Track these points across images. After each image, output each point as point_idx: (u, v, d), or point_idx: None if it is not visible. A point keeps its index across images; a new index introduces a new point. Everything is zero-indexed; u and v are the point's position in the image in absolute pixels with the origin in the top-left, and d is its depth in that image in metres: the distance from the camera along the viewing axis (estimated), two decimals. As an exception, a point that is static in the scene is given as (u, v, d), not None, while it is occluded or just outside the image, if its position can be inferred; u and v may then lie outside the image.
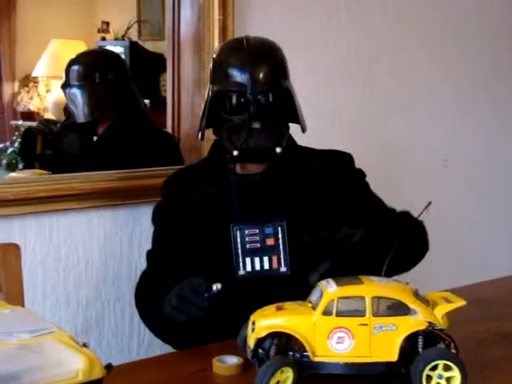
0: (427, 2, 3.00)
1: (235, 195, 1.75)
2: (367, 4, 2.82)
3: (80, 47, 4.07)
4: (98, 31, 4.45)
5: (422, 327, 1.33)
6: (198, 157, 2.38)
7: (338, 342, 1.32)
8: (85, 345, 1.05)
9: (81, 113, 2.46)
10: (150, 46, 4.08)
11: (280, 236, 1.68)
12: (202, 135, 1.83)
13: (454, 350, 1.34)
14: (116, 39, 4.21)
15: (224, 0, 2.34)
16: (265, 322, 1.35)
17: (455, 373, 1.29)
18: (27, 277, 1.80)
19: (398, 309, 1.33)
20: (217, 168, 1.82)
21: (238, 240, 1.69)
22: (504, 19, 3.31)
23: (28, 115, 4.40)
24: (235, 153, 1.72)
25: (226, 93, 1.76)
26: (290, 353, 1.35)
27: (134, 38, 4.23)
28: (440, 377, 1.29)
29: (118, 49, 4.00)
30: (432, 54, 3.05)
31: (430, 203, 1.46)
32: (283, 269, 1.62)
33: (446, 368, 1.29)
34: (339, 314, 1.32)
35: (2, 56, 4.55)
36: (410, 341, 1.33)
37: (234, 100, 1.75)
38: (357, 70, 2.82)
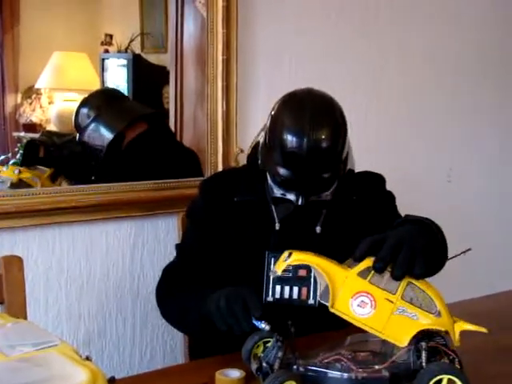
0: (434, 12, 3.00)
1: (278, 223, 1.77)
2: (369, 16, 2.82)
3: (83, 59, 4.07)
4: (102, 44, 4.44)
5: (441, 328, 1.33)
6: (202, 171, 2.38)
7: (359, 305, 1.32)
8: (88, 358, 1.05)
9: (108, 130, 2.44)
10: (153, 58, 4.07)
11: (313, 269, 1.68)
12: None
13: (458, 365, 1.34)
14: (119, 52, 4.20)
15: (228, 13, 2.33)
16: (301, 255, 1.37)
17: (459, 388, 1.28)
18: (29, 289, 1.80)
19: (426, 304, 1.34)
20: (257, 177, 1.81)
21: (272, 267, 1.69)
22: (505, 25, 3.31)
23: (30, 127, 4.39)
24: (277, 226, 1.76)
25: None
26: (294, 366, 1.35)
27: (137, 51, 4.23)
28: (444, 391, 1.29)
29: (121, 61, 3.99)
30: (437, 68, 3.06)
31: (469, 249, 1.47)
32: (311, 301, 1.60)
33: (450, 383, 1.29)
34: (372, 281, 1.33)
35: (6, 67, 4.54)
36: (415, 354, 1.33)
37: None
38: (361, 82, 2.82)
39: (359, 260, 1.36)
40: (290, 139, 1.65)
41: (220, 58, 2.34)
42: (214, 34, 2.34)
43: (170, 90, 2.59)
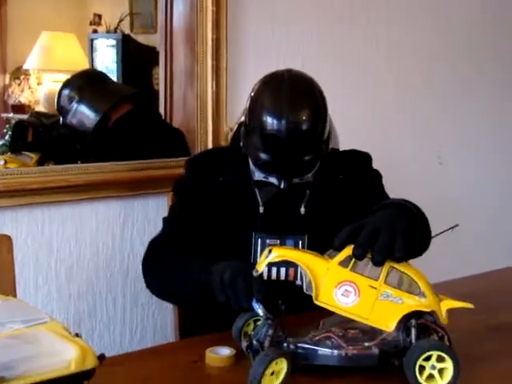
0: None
1: (262, 206, 1.76)
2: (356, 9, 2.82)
3: (71, 40, 4.05)
4: (90, 24, 4.42)
5: (426, 309, 1.34)
6: (191, 151, 2.38)
7: (343, 295, 1.33)
8: (77, 335, 1.05)
9: (92, 111, 2.43)
10: (142, 39, 4.05)
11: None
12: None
13: (447, 342, 1.35)
14: (108, 32, 4.18)
15: (217, -9, 2.33)
16: (281, 251, 1.37)
17: (448, 364, 1.29)
18: (19, 269, 1.80)
19: (410, 286, 1.34)
20: (241, 159, 1.81)
21: (259, 248, 1.70)
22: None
23: (19, 108, 4.37)
24: (261, 209, 1.75)
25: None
26: (285, 344, 1.35)
27: (127, 31, 4.21)
28: (433, 367, 1.29)
29: (110, 41, 3.98)
30: (426, 53, 3.05)
31: (456, 225, 1.47)
32: (299, 282, 1.61)
33: (439, 359, 1.30)
34: (354, 269, 1.33)
35: (-7, 48, 4.50)
36: (404, 332, 1.34)
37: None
38: (350, 65, 2.81)
39: (339, 249, 1.35)
40: (269, 122, 1.65)
41: (210, 36, 2.33)
42: (204, 12, 2.33)
43: (160, 70, 2.57)
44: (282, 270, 1.65)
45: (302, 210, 1.77)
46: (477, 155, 3.36)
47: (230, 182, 1.80)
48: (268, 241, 1.70)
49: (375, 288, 1.33)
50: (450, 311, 1.37)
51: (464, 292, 1.79)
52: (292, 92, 1.67)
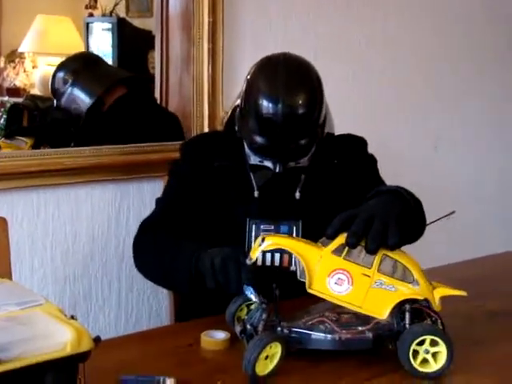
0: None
1: (256, 191, 1.76)
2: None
3: (67, 23, 4.03)
4: (86, 7, 4.39)
5: (419, 297, 1.34)
6: (187, 134, 2.37)
7: (336, 283, 1.33)
8: (73, 317, 1.05)
9: (86, 95, 2.41)
10: (138, 22, 4.03)
11: (294, 235, 1.68)
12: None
13: (440, 327, 1.36)
14: (103, 15, 4.16)
15: (213, -26, 2.31)
16: (275, 239, 1.38)
17: (441, 348, 1.30)
18: (15, 252, 1.80)
19: (403, 274, 1.35)
20: (236, 143, 1.80)
21: (253, 234, 1.70)
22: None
23: (14, 91, 4.35)
24: (256, 194, 1.75)
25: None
26: (279, 328, 1.36)
27: (122, 15, 4.18)
28: (426, 352, 1.30)
29: (106, 25, 3.96)
30: (424, 40, 3.05)
31: (453, 212, 1.47)
32: (293, 268, 1.61)
33: (433, 343, 1.31)
34: (347, 257, 1.33)
35: (-12, 31, 4.47)
36: (398, 316, 1.34)
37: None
38: (347, 51, 2.81)
39: (332, 237, 1.35)
40: (265, 105, 1.64)
41: (206, 20, 2.32)
42: (200, -5, 2.32)
43: (156, 54, 2.56)
44: (277, 256, 1.65)
45: (297, 194, 1.77)
46: (474, 144, 3.36)
47: (225, 166, 1.80)
48: (262, 226, 1.70)
49: (368, 276, 1.33)
50: (445, 297, 1.38)
51: (460, 277, 1.81)
52: (288, 75, 1.67)
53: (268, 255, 1.64)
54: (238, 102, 1.77)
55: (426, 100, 3.11)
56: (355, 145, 1.90)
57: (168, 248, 1.64)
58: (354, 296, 1.33)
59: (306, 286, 1.34)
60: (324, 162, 1.82)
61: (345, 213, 1.38)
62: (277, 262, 1.65)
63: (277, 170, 1.69)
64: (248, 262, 1.39)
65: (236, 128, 1.77)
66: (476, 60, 3.27)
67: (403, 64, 3.00)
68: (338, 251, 1.34)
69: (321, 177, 1.81)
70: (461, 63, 3.22)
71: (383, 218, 1.35)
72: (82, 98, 2.40)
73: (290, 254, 1.60)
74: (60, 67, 2.50)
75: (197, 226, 1.77)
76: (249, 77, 1.73)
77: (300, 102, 1.65)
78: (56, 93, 2.45)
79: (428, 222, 1.55)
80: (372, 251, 1.32)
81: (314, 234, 1.43)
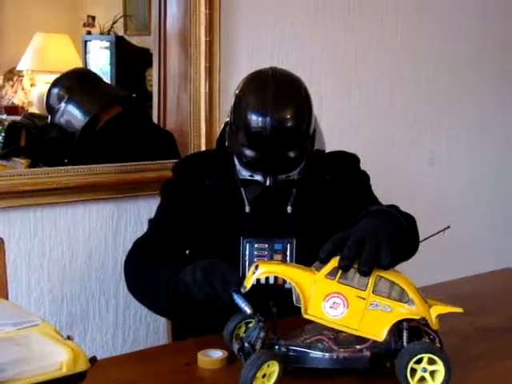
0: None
1: (248, 206, 1.76)
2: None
3: (65, 41, 4.05)
4: (84, 25, 4.41)
5: (415, 317, 1.34)
6: (184, 152, 2.38)
7: (331, 307, 1.33)
8: (69, 337, 1.05)
9: (82, 112, 2.41)
10: (136, 40, 4.05)
11: (288, 253, 1.69)
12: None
13: (438, 345, 1.35)
14: (102, 34, 4.18)
15: (210, -7, 2.33)
16: (268, 266, 1.37)
17: (439, 366, 1.30)
18: (11, 271, 1.80)
19: (398, 294, 1.34)
20: (227, 160, 1.81)
21: (247, 252, 1.71)
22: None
23: (12, 109, 4.36)
24: (247, 209, 1.75)
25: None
26: (276, 346, 1.35)
27: (120, 33, 4.21)
28: (424, 370, 1.30)
29: (104, 43, 3.98)
30: (417, 52, 3.06)
31: (448, 227, 1.47)
32: (288, 285, 1.61)
33: (431, 362, 1.30)
34: (341, 280, 1.33)
35: (-14, 49, 4.49)
36: (396, 335, 1.34)
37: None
38: (343, 67, 2.82)
39: (325, 261, 1.35)
40: (254, 119, 1.66)
41: (203, 39, 2.33)
42: (197, 14, 2.33)
43: (154, 72, 2.57)
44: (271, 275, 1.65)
45: (289, 208, 1.77)
46: (468, 155, 3.36)
47: (217, 184, 1.81)
48: (256, 245, 1.71)
49: (364, 298, 1.33)
50: (442, 314, 1.38)
51: (456, 293, 1.81)
52: (276, 89, 1.68)
53: None
54: (228, 119, 1.78)
55: (423, 114, 3.13)
56: (347, 161, 1.91)
57: (148, 272, 1.65)
58: (350, 319, 1.33)
59: (302, 312, 1.33)
60: (316, 177, 1.83)
61: (336, 235, 1.38)
62: (271, 281, 1.65)
63: (267, 184, 1.70)
64: (242, 290, 1.39)
65: (226, 143, 1.77)
66: (476, 73, 3.29)
67: (399, 77, 3.01)
68: (331, 274, 1.34)
69: (312, 191, 1.81)
70: (459, 77, 3.23)
71: (375, 239, 1.35)
72: (77, 116, 2.40)
73: None
74: (55, 83, 2.49)
75: (189, 245, 1.77)
76: (237, 91, 1.74)
77: (288, 115, 1.66)
78: (51, 109, 2.45)
79: (423, 237, 1.56)
80: (365, 273, 1.32)
81: (308, 250, 1.43)
